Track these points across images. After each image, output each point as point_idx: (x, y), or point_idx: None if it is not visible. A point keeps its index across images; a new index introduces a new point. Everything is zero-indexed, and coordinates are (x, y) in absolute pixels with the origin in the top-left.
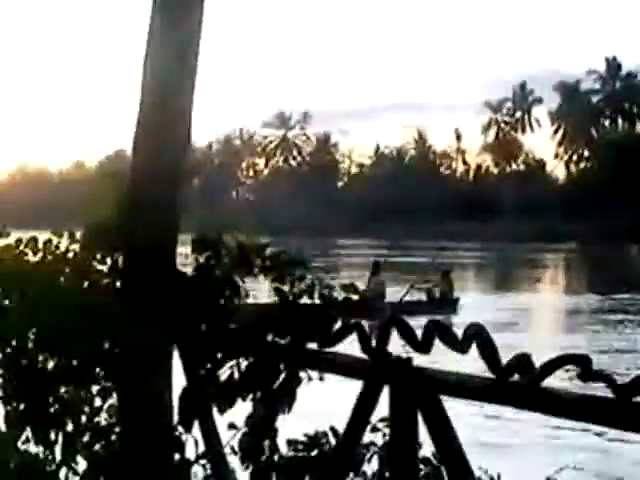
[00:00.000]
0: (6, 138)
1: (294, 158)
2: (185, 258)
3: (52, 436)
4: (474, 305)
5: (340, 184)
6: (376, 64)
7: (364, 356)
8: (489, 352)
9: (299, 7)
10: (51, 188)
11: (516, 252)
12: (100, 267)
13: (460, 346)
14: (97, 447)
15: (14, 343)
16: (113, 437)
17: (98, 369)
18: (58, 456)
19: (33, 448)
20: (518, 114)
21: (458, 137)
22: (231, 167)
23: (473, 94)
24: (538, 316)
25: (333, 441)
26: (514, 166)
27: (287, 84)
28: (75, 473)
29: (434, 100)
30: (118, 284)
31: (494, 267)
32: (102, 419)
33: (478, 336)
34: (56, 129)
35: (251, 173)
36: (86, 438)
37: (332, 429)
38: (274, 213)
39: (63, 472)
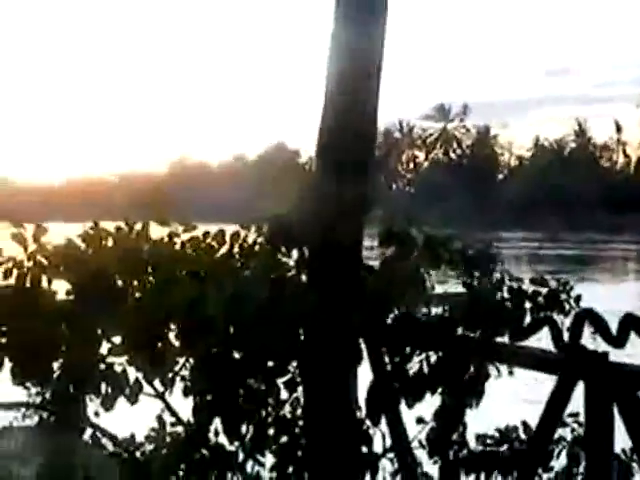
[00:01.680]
0: (167, 132)
1: (454, 151)
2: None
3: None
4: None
5: (500, 176)
6: (534, 56)
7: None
8: None
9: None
10: (210, 181)
11: None
12: (285, 260)
13: None
14: (284, 439)
15: (206, 334)
16: (297, 430)
17: (287, 362)
18: (243, 448)
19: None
20: None
21: (618, 129)
22: (391, 160)
23: (632, 86)
24: None
25: (523, 436)
26: None
27: (447, 77)
28: (261, 465)
29: (593, 92)
30: (303, 277)
31: None
32: (287, 412)
33: None
34: (216, 122)
35: (411, 166)
36: (271, 431)
37: (524, 424)
38: (433, 206)
39: (250, 464)
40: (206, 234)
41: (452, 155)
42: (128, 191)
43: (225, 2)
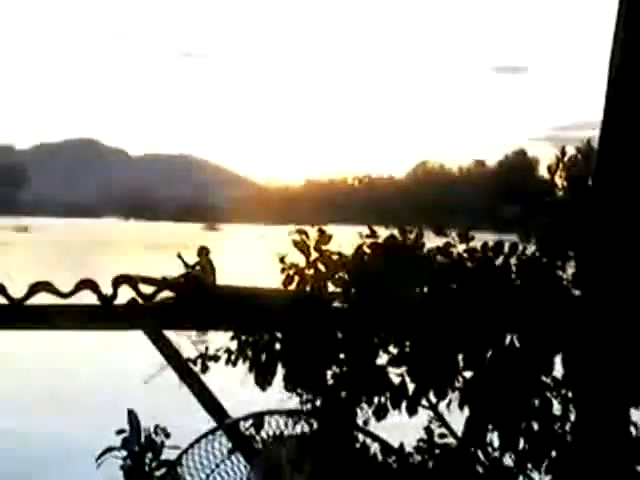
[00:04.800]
0: (408, 136)
1: None
2: None
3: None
4: None
5: None
6: None
7: None
8: None
9: None
10: (451, 185)
11: None
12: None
13: None
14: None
15: (486, 348)
16: (566, 446)
17: (565, 379)
18: (520, 462)
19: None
20: None
21: None
22: None
23: None
24: None
25: None
26: None
27: None
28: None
29: None
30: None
31: None
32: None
33: None
34: (456, 126)
35: None
36: (542, 445)
37: None
38: None
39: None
40: (485, 245)
41: None
42: (369, 194)
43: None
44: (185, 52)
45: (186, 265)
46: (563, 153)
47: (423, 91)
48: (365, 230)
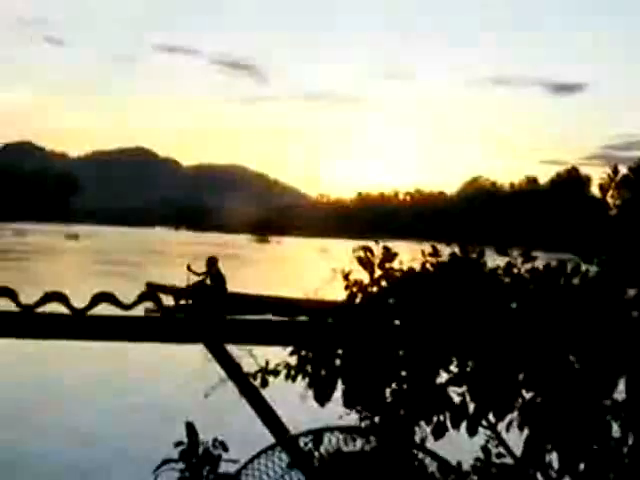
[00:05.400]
0: (458, 155)
1: None
2: None
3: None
4: None
5: None
6: None
7: None
8: None
9: None
10: (501, 203)
11: None
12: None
13: None
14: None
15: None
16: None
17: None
18: None
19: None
20: None
21: None
22: None
23: None
24: None
25: None
26: None
27: None
28: None
29: None
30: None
31: None
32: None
33: None
34: (506, 144)
35: None
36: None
37: None
38: None
39: None
40: (547, 265)
41: None
42: (420, 209)
43: None
44: (239, 63)
45: (196, 275)
46: (615, 172)
47: (475, 107)
48: (415, 245)
